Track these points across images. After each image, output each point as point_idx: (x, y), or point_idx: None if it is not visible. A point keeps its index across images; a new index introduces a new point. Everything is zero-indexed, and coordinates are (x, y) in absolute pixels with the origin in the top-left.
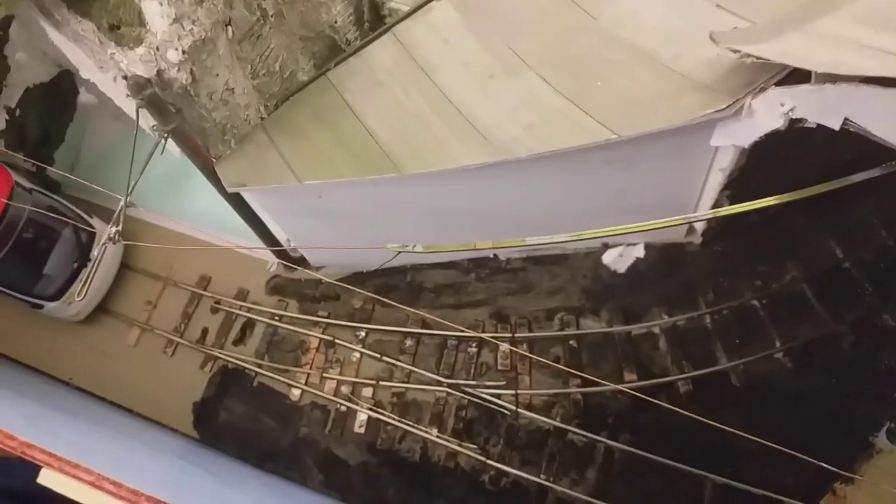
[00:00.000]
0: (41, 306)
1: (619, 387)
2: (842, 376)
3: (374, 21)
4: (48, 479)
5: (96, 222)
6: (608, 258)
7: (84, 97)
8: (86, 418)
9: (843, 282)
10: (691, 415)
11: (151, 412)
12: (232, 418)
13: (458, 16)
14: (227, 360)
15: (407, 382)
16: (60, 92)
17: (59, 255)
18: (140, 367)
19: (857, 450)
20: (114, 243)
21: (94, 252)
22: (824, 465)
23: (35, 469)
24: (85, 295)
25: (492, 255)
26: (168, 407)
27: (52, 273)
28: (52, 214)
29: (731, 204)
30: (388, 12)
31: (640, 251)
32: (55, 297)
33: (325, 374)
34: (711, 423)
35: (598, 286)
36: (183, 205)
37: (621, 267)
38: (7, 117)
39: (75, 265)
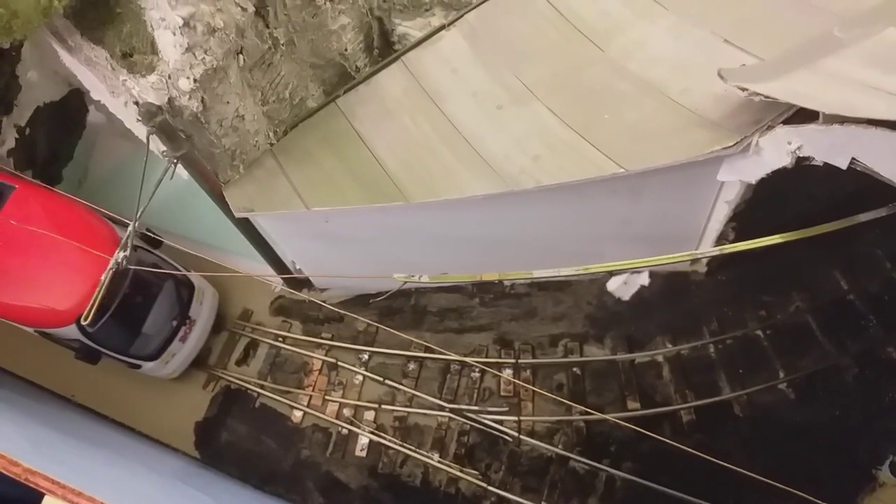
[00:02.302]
0: (139, 366)
1: (618, 418)
2: (845, 408)
3: (383, 48)
4: None
5: (193, 277)
6: (612, 285)
7: (93, 115)
8: (88, 440)
9: (848, 313)
10: (691, 450)
11: (153, 431)
12: (234, 439)
13: (467, 46)
14: (230, 381)
15: (409, 406)
16: (70, 110)
17: (160, 312)
18: (142, 386)
19: (860, 483)
20: (119, 268)
21: (103, 277)
22: (827, 501)
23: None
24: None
25: (496, 281)
26: (170, 426)
27: (151, 332)
28: (155, 271)
29: (737, 235)
30: (398, 39)
31: (644, 279)
32: (154, 356)
33: (327, 397)
34: (712, 458)
35: (602, 313)
36: (189, 225)
37: (626, 294)
38: (17, 135)
39: (174, 323)
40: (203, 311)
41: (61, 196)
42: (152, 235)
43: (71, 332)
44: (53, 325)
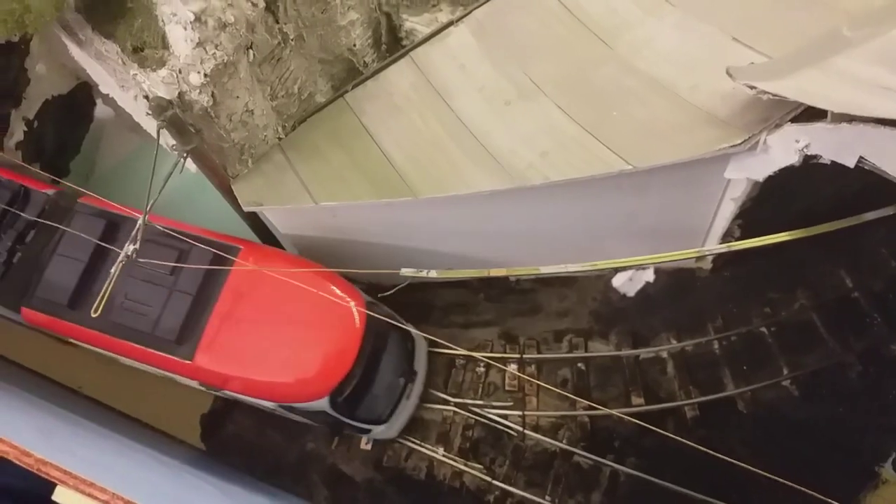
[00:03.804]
0: (368, 430)
1: (622, 413)
2: (849, 406)
3: (391, 43)
4: (63, 496)
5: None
6: (618, 281)
7: (101, 109)
8: (97, 431)
9: (852, 311)
10: (695, 445)
11: (159, 423)
12: (239, 431)
13: (476, 42)
14: None
15: None
16: (78, 103)
17: (390, 370)
18: (148, 378)
19: (863, 480)
20: (129, 261)
21: (113, 270)
22: (830, 497)
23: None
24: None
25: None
26: (176, 419)
27: (380, 392)
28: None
29: (743, 233)
30: (405, 34)
31: (649, 275)
32: (386, 418)
33: None
34: (715, 454)
35: (608, 309)
36: (196, 219)
37: (631, 290)
38: (25, 128)
39: (402, 380)
40: (421, 362)
41: (287, 255)
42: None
43: (318, 405)
44: (304, 399)
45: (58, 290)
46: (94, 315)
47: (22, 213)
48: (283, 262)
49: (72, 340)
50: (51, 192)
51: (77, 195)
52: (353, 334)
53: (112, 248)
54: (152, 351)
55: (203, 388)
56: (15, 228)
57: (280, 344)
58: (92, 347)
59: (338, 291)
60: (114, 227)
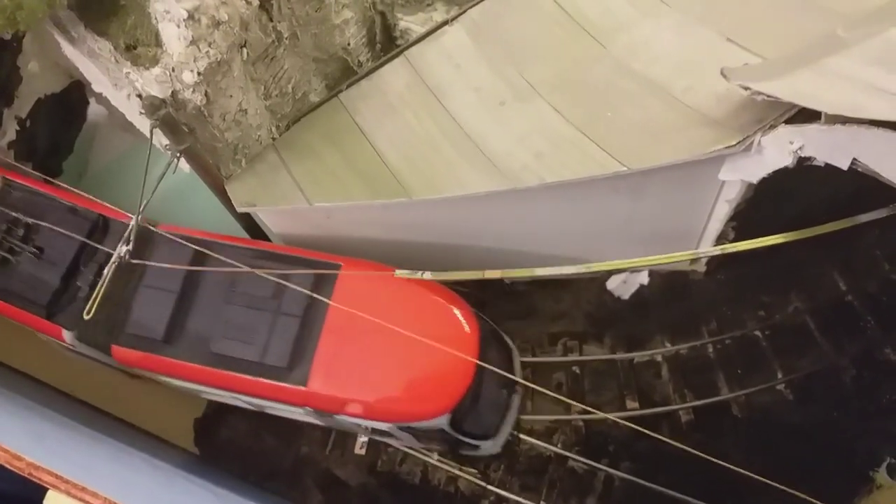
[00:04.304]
0: (478, 447)
1: (617, 417)
2: (843, 410)
3: (385, 42)
4: (54, 501)
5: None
6: (612, 284)
7: (94, 108)
8: (90, 435)
9: (846, 315)
10: (689, 449)
11: (153, 428)
12: (233, 436)
13: (471, 41)
14: None
15: None
16: (71, 103)
17: (495, 383)
18: (142, 383)
19: (857, 484)
20: (123, 262)
21: (106, 271)
22: (825, 501)
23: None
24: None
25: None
26: (170, 423)
27: (489, 406)
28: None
29: (737, 235)
30: (400, 34)
31: (644, 278)
32: (493, 433)
33: None
34: (710, 458)
35: (602, 312)
36: (188, 220)
37: (625, 293)
38: (18, 127)
39: (505, 391)
40: (518, 372)
41: (382, 266)
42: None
43: (438, 423)
44: (426, 417)
45: (150, 324)
46: (86, 317)
47: (100, 246)
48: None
49: (162, 378)
50: (129, 221)
51: (154, 223)
52: (470, 345)
53: (202, 272)
54: (261, 380)
55: (307, 417)
56: (95, 261)
57: (396, 361)
58: (187, 384)
59: (444, 300)
60: (201, 254)
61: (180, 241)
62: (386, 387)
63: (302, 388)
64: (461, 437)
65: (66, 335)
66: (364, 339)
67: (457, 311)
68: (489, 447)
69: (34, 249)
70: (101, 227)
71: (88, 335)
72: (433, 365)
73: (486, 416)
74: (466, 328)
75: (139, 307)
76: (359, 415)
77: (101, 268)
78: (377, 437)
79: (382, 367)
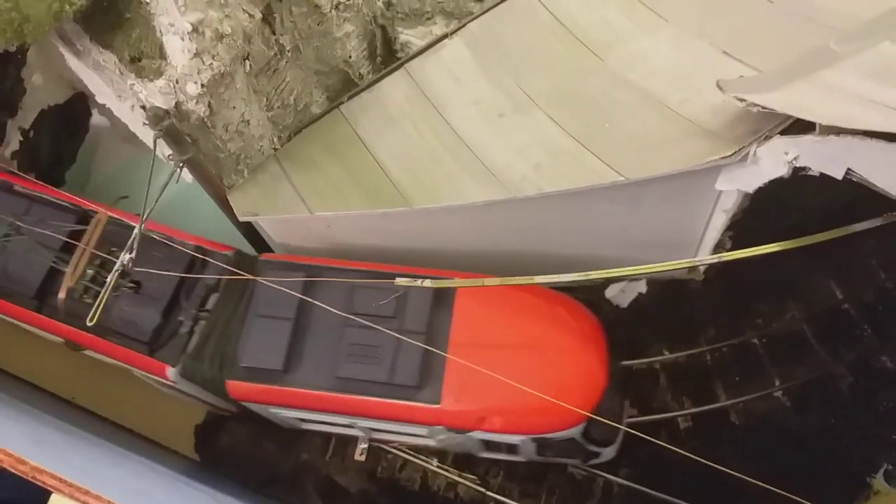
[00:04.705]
0: (598, 454)
1: (620, 425)
2: (840, 417)
3: (386, 55)
4: None
5: None
6: (610, 293)
7: (97, 119)
8: (91, 440)
9: (843, 322)
10: (688, 455)
11: (153, 434)
12: (233, 442)
13: (470, 54)
14: None
15: None
16: (74, 114)
17: (613, 388)
18: (143, 389)
19: (855, 491)
20: (126, 271)
21: (109, 279)
22: None
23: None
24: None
25: None
26: (170, 429)
27: (609, 412)
28: None
29: (734, 244)
30: (400, 47)
31: (642, 286)
32: (614, 438)
33: None
34: (709, 463)
35: (600, 320)
36: (190, 229)
37: (624, 302)
38: (21, 138)
39: (619, 394)
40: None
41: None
42: None
43: (572, 432)
44: (563, 427)
45: (267, 355)
46: (89, 324)
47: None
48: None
49: (273, 411)
50: (229, 252)
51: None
52: (600, 350)
53: (315, 302)
54: (392, 402)
55: (430, 440)
56: (196, 294)
57: (528, 370)
58: (303, 414)
59: (565, 306)
60: (312, 279)
61: (283, 270)
62: (523, 398)
63: (435, 406)
64: (589, 446)
65: (170, 372)
66: (492, 351)
67: (581, 316)
68: (609, 453)
69: (131, 284)
70: (200, 259)
71: (195, 371)
72: (568, 372)
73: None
74: (594, 332)
75: (253, 338)
76: (496, 429)
77: (203, 300)
78: (486, 454)
79: (515, 378)
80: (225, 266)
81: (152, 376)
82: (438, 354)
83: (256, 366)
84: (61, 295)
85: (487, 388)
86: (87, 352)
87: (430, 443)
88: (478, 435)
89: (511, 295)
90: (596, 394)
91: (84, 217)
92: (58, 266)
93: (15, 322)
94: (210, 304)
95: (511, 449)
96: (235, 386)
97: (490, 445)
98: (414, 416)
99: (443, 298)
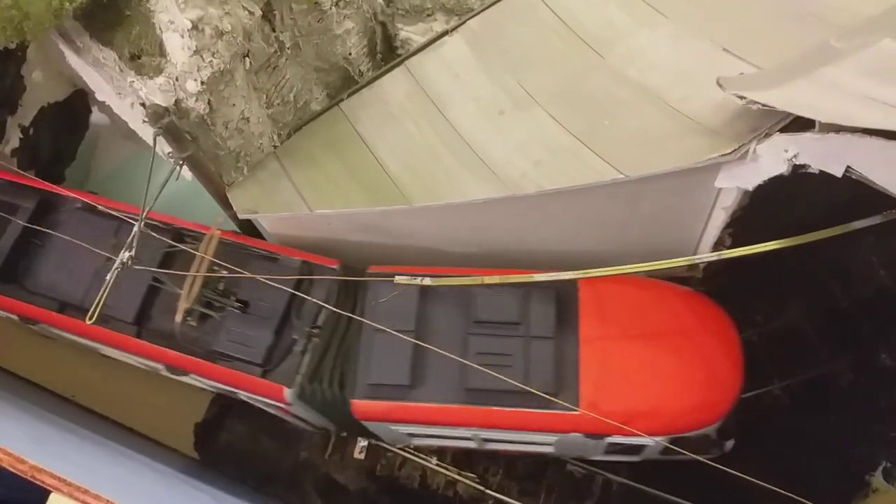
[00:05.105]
0: (722, 448)
1: (620, 425)
2: (839, 415)
3: (386, 52)
4: None
5: None
6: None
7: (97, 116)
8: (90, 439)
9: (843, 320)
10: (688, 453)
11: (153, 432)
12: (233, 440)
13: (470, 51)
14: None
15: None
16: (74, 111)
17: None
18: (143, 387)
19: (854, 488)
20: (125, 268)
21: (108, 277)
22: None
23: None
24: None
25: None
26: (169, 428)
27: None
28: None
29: (734, 242)
30: (401, 44)
31: None
32: (734, 431)
33: None
34: (707, 461)
35: None
36: None
37: None
38: (21, 136)
39: None
40: None
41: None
42: None
43: (710, 429)
44: (704, 424)
45: (392, 370)
46: (89, 322)
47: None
48: (619, 279)
49: (393, 428)
50: (336, 266)
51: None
52: (733, 339)
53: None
54: (526, 411)
55: (559, 448)
56: (306, 311)
57: (667, 368)
58: (427, 430)
59: (692, 299)
60: (427, 291)
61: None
62: (667, 397)
63: (575, 412)
64: (719, 441)
65: (287, 394)
66: (626, 350)
67: (707, 305)
68: (729, 447)
69: (239, 304)
70: (308, 274)
71: (314, 392)
72: (709, 365)
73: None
74: (724, 321)
75: (375, 353)
76: (636, 432)
77: (315, 317)
78: (599, 457)
79: (653, 377)
80: (335, 280)
81: (264, 399)
82: (571, 359)
83: (382, 382)
84: (178, 318)
85: (627, 390)
86: (189, 377)
87: (549, 450)
88: (614, 439)
89: (635, 291)
90: (737, 384)
91: (179, 235)
92: (164, 288)
93: (98, 345)
94: (320, 321)
95: (634, 450)
96: (361, 405)
97: (616, 448)
98: (549, 425)
99: (566, 300)
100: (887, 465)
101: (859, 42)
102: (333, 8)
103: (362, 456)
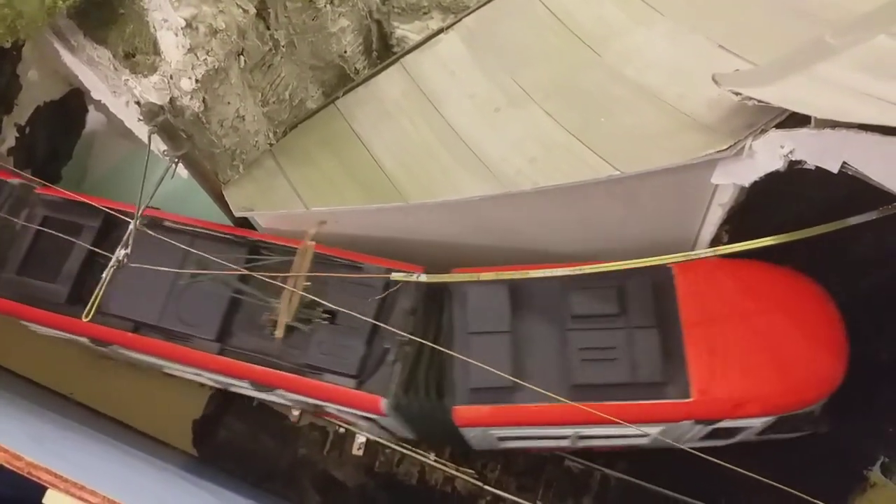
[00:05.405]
0: (820, 424)
1: (618, 421)
2: (837, 410)
3: (381, 50)
4: (54, 500)
5: None
6: None
7: (92, 115)
8: (88, 436)
9: (841, 315)
10: (685, 448)
11: (151, 429)
12: (231, 437)
13: (466, 49)
14: None
15: None
16: (70, 110)
17: None
18: (141, 384)
19: (852, 483)
20: (120, 266)
21: (104, 275)
22: (819, 500)
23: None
24: None
25: None
26: (168, 424)
27: None
28: None
29: (731, 238)
30: (396, 42)
31: None
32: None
33: None
34: (705, 456)
35: None
36: None
37: None
38: (17, 135)
39: None
40: None
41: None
42: None
43: (818, 405)
44: (816, 399)
45: (493, 374)
46: (85, 319)
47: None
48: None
49: (498, 432)
50: (419, 272)
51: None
52: (834, 315)
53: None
54: (636, 403)
55: (646, 440)
56: (395, 318)
57: (769, 347)
58: (534, 431)
59: (786, 275)
60: (516, 290)
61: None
62: (773, 377)
63: (686, 400)
64: (822, 417)
65: (384, 405)
66: (729, 332)
67: (804, 281)
68: (828, 423)
69: (326, 315)
70: (392, 283)
71: (410, 401)
72: (812, 343)
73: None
74: (824, 297)
75: (473, 357)
76: (753, 413)
77: (405, 325)
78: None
79: (760, 356)
80: (420, 285)
81: (357, 412)
82: (676, 346)
83: (485, 386)
84: (278, 334)
85: (736, 372)
86: (275, 393)
87: (644, 441)
88: (723, 423)
89: (730, 271)
90: (844, 357)
91: (255, 248)
92: (244, 302)
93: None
94: (409, 328)
95: (733, 433)
96: (464, 411)
97: (717, 433)
98: (661, 415)
99: (663, 287)
100: (885, 460)
101: (854, 38)
102: (328, 6)
103: (360, 452)
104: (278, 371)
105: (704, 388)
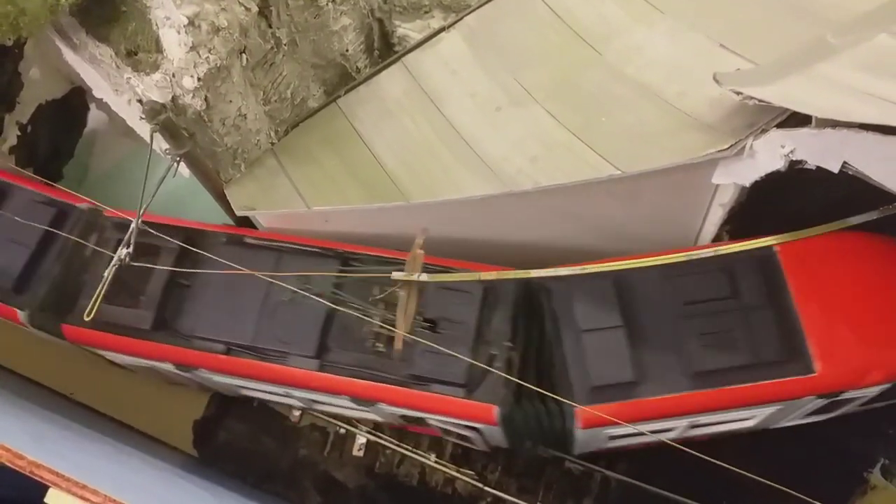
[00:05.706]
0: None
1: (619, 421)
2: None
3: (383, 49)
4: (55, 499)
5: None
6: None
7: (94, 113)
8: (89, 436)
9: None
10: (685, 449)
11: (151, 430)
12: (232, 438)
13: (467, 48)
14: None
15: None
16: (71, 108)
17: None
18: (141, 384)
19: (852, 486)
20: (122, 266)
21: (106, 274)
22: (820, 501)
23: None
24: None
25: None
26: (168, 425)
27: None
28: None
29: (731, 238)
30: (398, 40)
31: None
32: None
33: None
34: (706, 458)
35: None
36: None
37: None
38: (19, 133)
39: None
40: None
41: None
42: None
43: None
44: None
45: (612, 370)
46: (86, 318)
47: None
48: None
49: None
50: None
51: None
52: None
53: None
54: (760, 384)
55: (752, 422)
56: (497, 324)
57: (884, 315)
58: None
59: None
60: (619, 283)
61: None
62: (892, 344)
63: (810, 375)
64: None
65: (496, 413)
66: (842, 304)
67: None
68: None
69: (426, 324)
70: (492, 290)
71: (523, 408)
72: None
73: None
74: None
75: (589, 356)
76: (877, 381)
77: (507, 329)
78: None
79: (877, 325)
80: (517, 286)
81: (464, 422)
82: (793, 322)
83: (607, 383)
84: (398, 346)
85: (855, 342)
86: (375, 407)
87: (750, 424)
88: (849, 394)
89: (835, 244)
90: None
91: (345, 260)
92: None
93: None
94: (511, 332)
95: (838, 406)
96: (588, 412)
97: (830, 406)
98: (784, 393)
99: (769, 265)
100: (886, 461)
101: (855, 37)
102: (330, 4)
103: (361, 453)
104: (382, 384)
105: (827, 362)
